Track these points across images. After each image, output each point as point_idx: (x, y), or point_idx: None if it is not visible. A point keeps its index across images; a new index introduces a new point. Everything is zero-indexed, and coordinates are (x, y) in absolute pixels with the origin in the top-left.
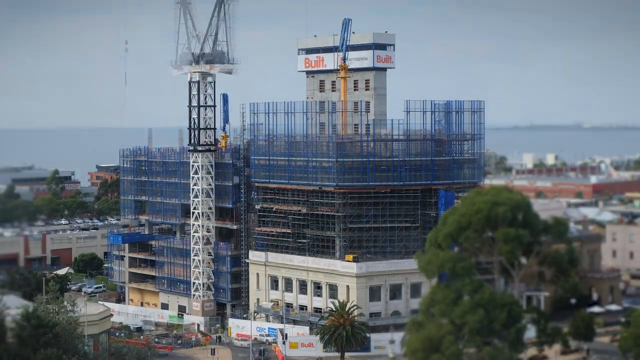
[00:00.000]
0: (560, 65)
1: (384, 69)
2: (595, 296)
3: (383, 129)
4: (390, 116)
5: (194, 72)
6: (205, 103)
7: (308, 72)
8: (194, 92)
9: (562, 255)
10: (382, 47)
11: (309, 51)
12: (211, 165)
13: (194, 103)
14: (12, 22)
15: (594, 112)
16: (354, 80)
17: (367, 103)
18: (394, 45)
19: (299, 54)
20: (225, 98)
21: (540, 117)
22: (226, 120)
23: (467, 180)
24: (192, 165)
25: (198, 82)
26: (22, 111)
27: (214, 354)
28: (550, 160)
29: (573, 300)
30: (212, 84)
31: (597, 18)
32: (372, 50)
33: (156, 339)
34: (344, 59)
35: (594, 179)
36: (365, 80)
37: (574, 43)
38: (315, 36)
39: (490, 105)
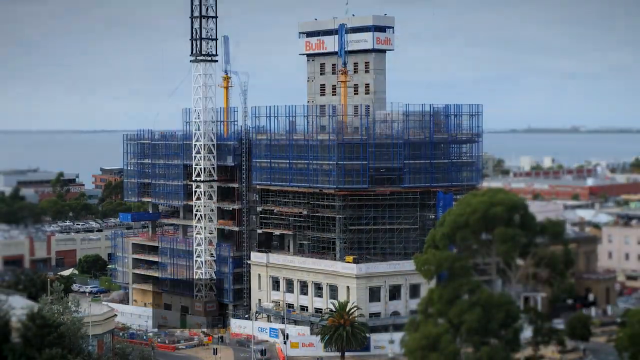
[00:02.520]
0: (557, 69)
1: (384, 51)
2: (591, 297)
3: (383, 110)
4: (390, 98)
5: None
6: (207, 14)
7: (309, 55)
8: (196, 2)
9: (558, 257)
10: (381, 29)
11: (310, 34)
12: (213, 168)
13: (196, 14)
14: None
15: (590, 116)
16: (354, 63)
17: (367, 107)
18: (393, 27)
19: (299, 37)
20: (226, 39)
21: (538, 121)
22: (227, 61)
23: (466, 182)
24: (195, 168)
25: None
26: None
27: (216, 354)
28: (547, 163)
29: (570, 301)
30: None
31: (594, 21)
32: (371, 33)
33: (159, 339)
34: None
35: (590, 182)
36: (365, 62)
37: (571, 46)
38: (315, 19)
39: (487, 109)
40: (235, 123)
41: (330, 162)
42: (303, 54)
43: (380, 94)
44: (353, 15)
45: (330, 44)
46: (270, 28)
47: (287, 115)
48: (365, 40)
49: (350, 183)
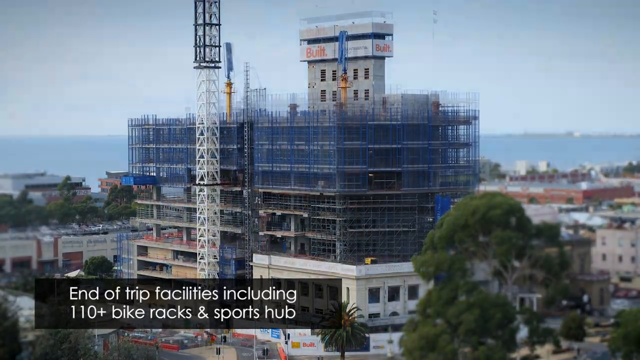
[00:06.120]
0: (553, 73)
1: (383, 58)
2: (586, 298)
3: (382, 113)
4: (388, 103)
5: None
6: (210, 21)
7: (309, 62)
8: (200, 10)
9: (554, 259)
10: (380, 36)
11: (311, 41)
12: (216, 172)
13: (200, 21)
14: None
15: (584, 121)
16: (354, 69)
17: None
18: (392, 35)
19: (300, 44)
20: (228, 47)
21: (534, 125)
22: (230, 68)
23: (463, 186)
24: (198, 173)
25: (203, 0)
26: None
27: (219, 354)
28: (542, 167)
29: (564, 302)
30: (217, 3)
31: (590, 26)
32: (371, 40)
33: (163, 339)
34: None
35: (584, 185)
36: (365, 69)
37: (567, 51)
38: (316, 27)
39: (484, 112)
40: (242, 131)
41: (331, 166)
42: (304, 61)
43: (381, 102)
44: (353, 22)
45: (331, 50)
46: (272, 34)
47: (288, 118)
48: (365, 47)
49: (350, 187)
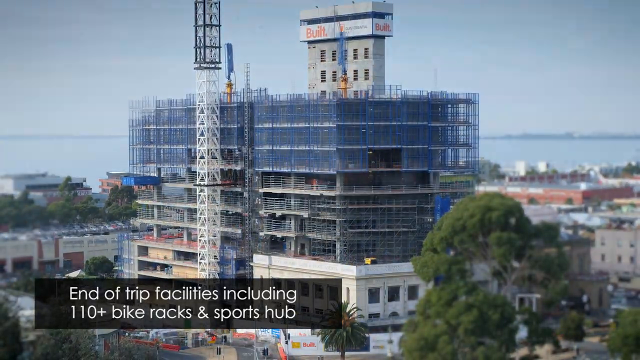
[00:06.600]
0: (552, 75)
1: (383, 37)
2: (585, 298)
3: (382, 94)
4: (388, 82)
5: None
6: (211, 22)
7: (309, 42)
8: (200, 11)
9: (553, 259)
10: (380, 15)
11: (311, 22)
12: (217, 173)
13: (200, 22)
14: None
15: (583, 122)
16: (354, 49)
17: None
18: (392, 14)
19: (300, 25)
20: (229, 48)
21: (533, 126)
22: (231, 69)
23: (463, 187)
24: (199, 173)
25: (204, 2)
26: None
27: (220, 354)
28: (541, 167)
29: (564, 302)
30: (217, 4)
31: (590, 28)
32: (370, 19)
33: (164, 339)
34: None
35: (583, 186)
36: (365, 48)
37: (566, 52)
38: (316, 7)
39: (483, 113)
40: (242, 131)
41: (332, 167)
42: (304, 41)
43: (380, 80)
44: (353, 2)
45: (330, 30)
46: (273, 35)
47: (289, 117)
48: (364, 27)
49: (350, 188)
